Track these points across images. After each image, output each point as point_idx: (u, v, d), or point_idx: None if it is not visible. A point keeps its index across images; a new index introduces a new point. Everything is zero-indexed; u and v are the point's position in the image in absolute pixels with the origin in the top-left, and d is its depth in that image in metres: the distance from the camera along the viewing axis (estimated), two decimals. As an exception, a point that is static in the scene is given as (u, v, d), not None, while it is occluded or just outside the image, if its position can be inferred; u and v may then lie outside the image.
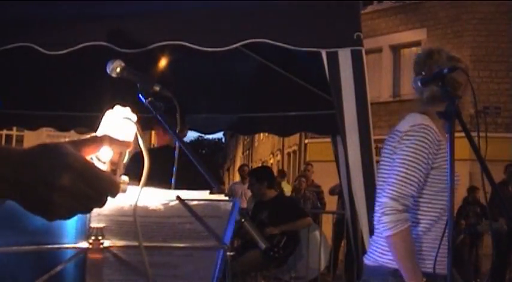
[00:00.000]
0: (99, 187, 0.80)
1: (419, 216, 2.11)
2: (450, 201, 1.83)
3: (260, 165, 23.88)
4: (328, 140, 5.19)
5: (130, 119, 0.92)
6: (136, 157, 1.04)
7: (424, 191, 2.09)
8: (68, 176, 0.76)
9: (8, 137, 24.03)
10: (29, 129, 6.33)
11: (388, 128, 14.70)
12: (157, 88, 2.01)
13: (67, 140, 0.84)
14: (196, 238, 1.30)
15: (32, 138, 22.41)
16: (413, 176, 2.03)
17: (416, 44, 15.20)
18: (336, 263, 8.07)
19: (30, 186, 0.76)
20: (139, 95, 1.98)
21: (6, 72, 4.22)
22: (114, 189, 0.82)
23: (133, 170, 1.02)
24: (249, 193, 7.44)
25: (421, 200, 2.10)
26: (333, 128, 4.19)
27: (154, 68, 4.28)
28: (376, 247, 2.18)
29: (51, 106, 5.36)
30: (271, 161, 25.82)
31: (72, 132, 6.56)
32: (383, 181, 2.12)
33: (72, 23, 3.21)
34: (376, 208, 2.05)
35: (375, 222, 2.08)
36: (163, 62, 4.34)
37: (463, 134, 1.92)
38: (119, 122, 0.91)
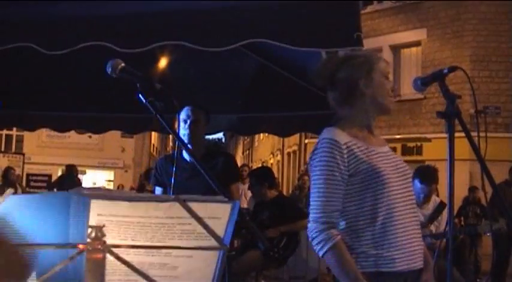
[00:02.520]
0: None
1: (350, 222, 2.08)
2: (450, 201, 1.83)
3: (260, 165, 23.88)
4: (328, 140, 5.18)
5: None
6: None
7: (350, 198, 2.07)
8: None
9: (8, 137, 24.04)
10: (29, 129, 6.33)
11: (388, 128, 14.77)
12: (157, 88, 2.01)
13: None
14: (197, 239, 1.30)
15: (32, 138, 22.43)
16: (329, 192, 2.04)
17: (416, 44, 15.21)
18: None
19: None
20: (139, 95, 1.98)
21: (6, 72, 4.23)
22: None
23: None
24: (249, 193, 7.44)
25: (353, 209, 2.08)
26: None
27: (154, 68, 4.28)
28: None
29: (51, 106, 5.36)
30: (271, 161, 25.82)
31: (72, 132, 6.57)
32: None
33: (72, 23, 3.21)
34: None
35: None
36: (163, 62, 4.34)
37: (463, 134, 1.92)
38: None
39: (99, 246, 1.22)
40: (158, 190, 3.62)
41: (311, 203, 2.09)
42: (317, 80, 2.30)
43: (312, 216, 2.07)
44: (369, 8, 15.74)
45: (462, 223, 9.40)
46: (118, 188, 20.47)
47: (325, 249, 2.01)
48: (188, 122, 3.40)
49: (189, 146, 3.33)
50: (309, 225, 2.07)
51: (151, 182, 4.00)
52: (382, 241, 2.05)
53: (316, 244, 2.03)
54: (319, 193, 2.06)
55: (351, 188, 2.07)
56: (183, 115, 3.40)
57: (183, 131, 3.38)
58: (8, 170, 10.24)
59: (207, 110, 3.56)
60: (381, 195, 2.05)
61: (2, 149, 22.58)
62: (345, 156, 2.06)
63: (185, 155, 3.44)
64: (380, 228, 2.04)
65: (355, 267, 2.00)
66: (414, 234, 2.09)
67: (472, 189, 9.98)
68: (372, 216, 2.06)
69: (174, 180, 3.08)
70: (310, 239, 2.08)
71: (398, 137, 14.66)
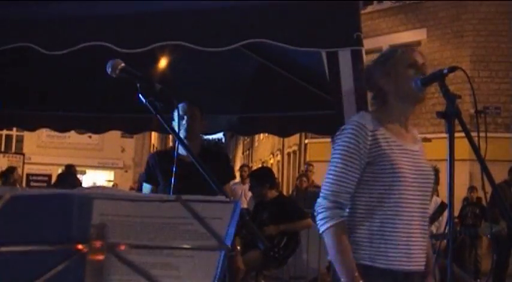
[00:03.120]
0: None
1: (354, 209, 2.10)
2: (450, 201, 1.83)
3: (260, 165, 23.87)
4: (328, 140, 5.17)
5: None
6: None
7: (361, 185, 2.08)
8: None
9: (8, 137, 24.04)
10: (29, 129, 6.33)
11: (388, 128, 14.77)
12: (157, 88, 2.01)
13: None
14: (198, 239, 1.30)
15: (32, 138, 22.43)
16: (343, 173, 2.06)
17: (416, 44, 15.19)
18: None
19: None
20: (139, 95, 1.98)
21: (6, 72, 4.23)
22: None
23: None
24: (249, 193, 7.44)
25: (362, 197, 2.09)
26: (333, 128, 4.18)
27: (154, 68, 4.28)
28: None
29: (51, 106, 5.36)
30: (271, 161, 25.82)
31: (72, 132, 6.57)
32: None
33: (72, 23, 3.21)
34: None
35: None
36: (163, 62, 4.34)
37: (463, 134, 1.92)
38: None
39: (102, 246, 1.22)
40: (146, 187, 3.54)
41: (325, 179, 2.10)
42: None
43: (322, 192, 2.08)
44: (369, 8, 15.73)
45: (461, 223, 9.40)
46: (113, 186, 20.45)
47: (325, 226, 2.02)
48: (185, 118, 3.38)
49: (186, 142, 3.31)
50: (318, 200, 2.08)
51: (140, 178, 3.93)
52: (378, 236, 2.04)
53: (319, 220, 2.05)
54: (334, 172, 2.07)
55: (365, 175, 2.07)
56: (180, 106, 3.35)
57: (180, 127, 3.36)
58: (11, 169, 10.23)
59: (201, 106, 3.54)
60: (390, 190, 2.05)
61: (2, 149, 22.57)
62: (368, 142, 2.06)
63: (180, 152, 3.42)
64: (379, 223, 2.04)
65: (349, 254, 2.00)
66: (417, 237, 2.06)
67: (471, 189, 9.98)
68: (374, 209, 2.06)
69: (174, 179, 3.08)
70: (315, 214, 2.08)
71: (398, 137, 14.63)
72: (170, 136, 24.11)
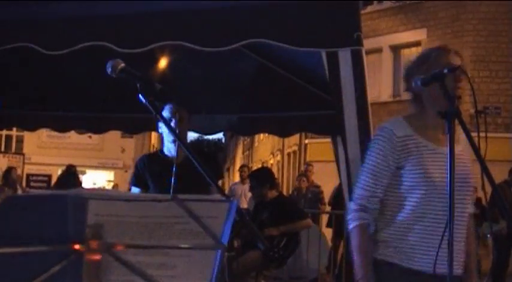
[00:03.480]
0: None
1: (382, 210, 2.20)
2: (450, 201, 1.83)
3: (260, 166, 23.87)
4: (328, 140, 5.18)
5: None
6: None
7: (390, 188, 2.17)
8: None
9: (8, 137, 24.04)
10: (29, 129, 6.32)
11: (388, 128, 14.77)
12: (157, 88, 2.01)
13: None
14: (194, 238, 1.30)
15: (32, 138, 22.43)
16: (370, 178, 2.17)
17: (416, 44, 15.20)
18: (335, 263, 8.07)
19: None
20: (139, 95, 1.98)
21: (6, 72, 4.23)
22: None
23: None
24: (249, 193, 7.44)
25: (391, 198, 2.18)
26: (333, 128, 4.19)
27: (154, 68, 4.28)
28: None
29: (51, 106, 5.36)
30: (271, 161, 25.82)
31: (72, 132, 6.57)
32: None
33: (72, 23, 3.21)
34: None
35: None
36: (163, 62, 4.34)
37: (463, 134, 1.92)
38: None
39: (98, 246, 1.22)
40: (135, 191, 3.51)
41: (356, 183, 2.26)
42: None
43: (353, 195, 2.26)
44: (369, 8, 15.74)
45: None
46: (113, 187, 20.45)
47: (350, 227, 2.19)
48: (173, 121, 3.30)
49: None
50: (350, 202, 2.26)
51: (129, 181, 3.85)
52: (400, 236, 2.13)
53: (348, 220, 2.22)
54: (363, 176, 2.20)
55: (394, 179, 2.15)
56: (166, 113, 3.29)
57: (167, 130, 3.29)
58: (10, 169, 10.24)
59: (187, 108, 3.50)
60: (410, 193, 2.12)
61: (2, 149, 22.58)
62: (397, 148, 2.13)
63: (166, 152, 3.40)
64: (406, 223, 2.12)
65: (365, 253, 2.13)
66: (445, 241, 2.07)
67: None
68: (398, 210, 2.14)
69: (160, 179, 3.07)
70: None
71: (398, 137, 14.62)
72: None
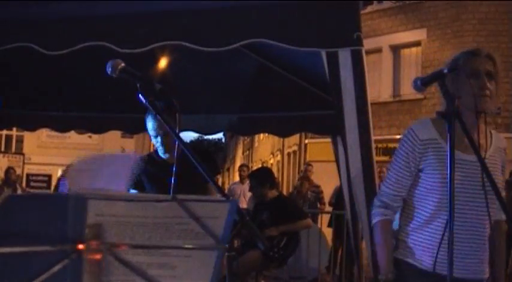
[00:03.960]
0: None
1: (403, 209, 2.28)
2: (450, 202, 1.83)
3: (260, 166, 23.87)
4: (328, 140, 5.18)
5: None
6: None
7: (411, 189, 2.24)
8: None
9: (8, 137, 24.04)
10: (29, 129, 6.32)
11: (388, 128, 14.78)
12: (157, 88, 2.01)
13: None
14: (194, 238, 1.30)
15: (32, 138, 22.43)
16: (393, 177, 2.25)
17: (416, 44, 15.20)
18: (335, 263, 8.07)
19: None
20: (139, 95, 1.98)
21: (6, 72, 4.23)
22: None
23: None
24: (248, 193, 7.44)
25: (411, 199, 2.25)
26: (333, 128, 4.19)
27: (154, 68, 4.28)
28: None
29: (51, 106, 5.36)
30: (271, 161, 25.82)
31: (72, 132, 6.57)
32: None
33: (72, 23, 3.21)
34: None
35: None
36: (163, 62, 4.34)
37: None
38: None
39: (98, 246, 1.22)
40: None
41: (383, 180, 2.35)
42: None
43: (378, 190, 2.37)
44: (369, 8, 15.73)
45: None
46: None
47: (372, 223, 2.28)
48: (159, 137, 3.18)
49: (167, 154, 3.24)
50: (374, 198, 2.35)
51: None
52: (414, 238, 2.19)
53: (371, 215, 2.31)
54: (388, 175, 2.28)
55: (416, 180, 2.21)
56: (150, 125, 3.15)
57: (154, 140, 3.22)
58: (8, 170, 10.26)
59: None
60: (426, 197, 2.17)
61: (2, 149, 22.57)
62: (419, 151, 2.18)
63: (163, 156, 3.37)
64: (422, 225, 2.17)
65: (385, 248, 2.22)
66: (462, 245, 2.10)
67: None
68: (419, 211, 2.19)
69: (157, 180, 3.05)
70: None
71: (398, 137, 14.60)
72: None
